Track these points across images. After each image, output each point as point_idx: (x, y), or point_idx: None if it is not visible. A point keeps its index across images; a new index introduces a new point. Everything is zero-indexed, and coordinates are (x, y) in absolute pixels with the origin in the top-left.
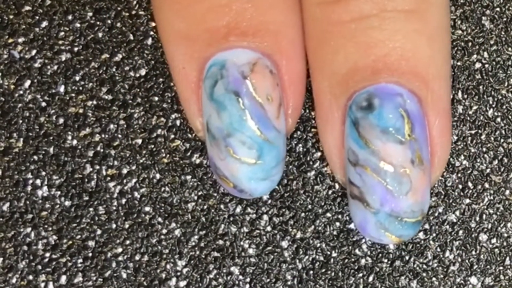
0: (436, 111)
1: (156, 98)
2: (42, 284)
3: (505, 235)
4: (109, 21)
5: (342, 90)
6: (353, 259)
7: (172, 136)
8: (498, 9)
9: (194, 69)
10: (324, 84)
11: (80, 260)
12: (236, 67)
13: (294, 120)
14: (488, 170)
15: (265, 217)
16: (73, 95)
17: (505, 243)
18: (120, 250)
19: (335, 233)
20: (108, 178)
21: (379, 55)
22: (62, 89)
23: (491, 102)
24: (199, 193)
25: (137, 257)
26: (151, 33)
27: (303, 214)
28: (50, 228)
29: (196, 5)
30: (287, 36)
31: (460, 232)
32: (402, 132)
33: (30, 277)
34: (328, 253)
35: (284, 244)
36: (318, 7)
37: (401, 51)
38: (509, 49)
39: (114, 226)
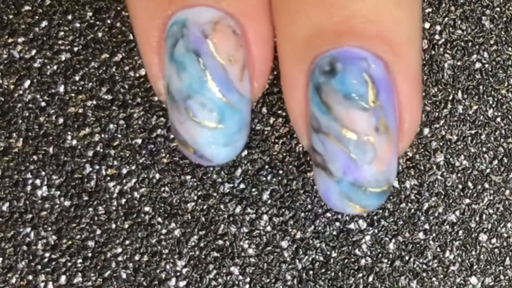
0: (404, 76)
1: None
2: (42, 284)
3: (505, 235)
4: (109, 21)
5: (305, 54)
6: (353, 259)
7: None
8: (498, 9)
9: (155, 28)
10: (286, 48)
11: (80, 260)
12: (197, 26)
13: (261, 84)
14: (488, 170)
15: (265, 217)
16: (72, 95)
17: (505, 243)
18: (119, 250)
19: (335, 233)
20: (108, 178)
21: (343, 16)
22: (61, 89)
23: (491, 102)
24: (199, 193)
25: (136, 257)
26: None
27: (303, 214)
28: (49, 228)
29: None
30: None
31: (460, 232)
32: (365, 99)
33: (30, 277)
34: (328, 253)
35: (284, 244)
36: None
37: (366, 13)
38: (509, 49)
39: (113, 226)
